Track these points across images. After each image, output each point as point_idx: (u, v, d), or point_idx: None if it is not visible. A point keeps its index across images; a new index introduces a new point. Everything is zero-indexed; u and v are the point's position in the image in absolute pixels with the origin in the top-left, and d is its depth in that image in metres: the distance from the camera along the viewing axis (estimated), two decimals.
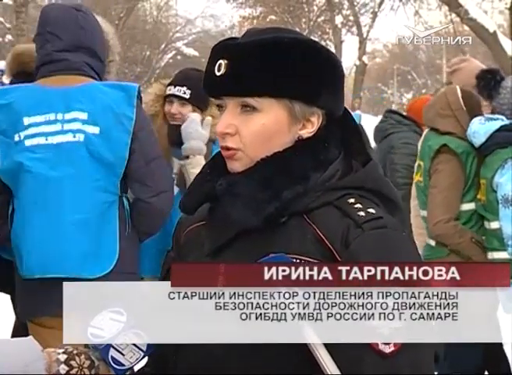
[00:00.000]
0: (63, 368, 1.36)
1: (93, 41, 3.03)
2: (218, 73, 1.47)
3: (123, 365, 1.40)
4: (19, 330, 3.31)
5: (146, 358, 1.55)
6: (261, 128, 1.48)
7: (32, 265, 2.85)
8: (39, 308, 2.90)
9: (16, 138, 2.89)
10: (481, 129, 3.71)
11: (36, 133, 2.90)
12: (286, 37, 1.47)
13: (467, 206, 3.80)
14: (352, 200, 1.47)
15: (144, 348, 1.42)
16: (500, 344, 3.92)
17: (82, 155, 2.88)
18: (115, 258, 2.92)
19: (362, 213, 1.44)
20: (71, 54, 2.98)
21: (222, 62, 1.47)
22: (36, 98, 2.93)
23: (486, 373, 4.06)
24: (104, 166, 2.90)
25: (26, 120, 2.90)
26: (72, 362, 1.37)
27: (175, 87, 3.71)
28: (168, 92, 3.73)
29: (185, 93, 3.68)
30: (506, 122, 3.69)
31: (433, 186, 3.89)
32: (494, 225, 3.67)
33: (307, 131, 1.51)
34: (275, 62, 1.45)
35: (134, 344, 1.41)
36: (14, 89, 3.01)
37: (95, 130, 2.90)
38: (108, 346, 1.39)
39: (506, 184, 3.59)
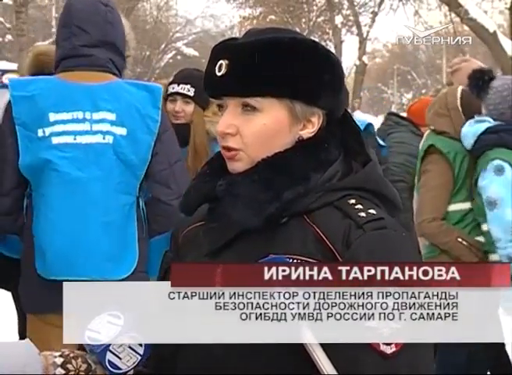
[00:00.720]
0: (60, 371, 1.35)
1: (117, 37, 3.00)
2: (218, 73, 1.48)
3: (120, 368, 1.40)
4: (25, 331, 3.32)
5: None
6: (262, 128, 1.48)
7: (57, 267, 2.83)
8: (48, 304, 2.87)
9: (40, 133, 2.87)
10: (469, 131, 3.71)
11: (63, 131, 2.88)
12: (286, 37, 1.48)
13: (458, 206, 3.79)
14: (353, 201, 1.47)
15: (141, 352, 1.41)
16: (502, 344, 3.92)
17: (110, 158, 2.88)
18: (136, 260, 2.94)
19: (363, 214, 1.44)
20: (97, 49, 2.95)
21: (223, 62, 1.47)
22: (61, 94, 2.90)
23: (488, 373, 4.06)
24: (127, 167, 2.90)
25: (52, 116, 2.87)
26: (69, 366, 1.37)
27: (178, 85, 3.73)
28: (171, 91, 3.74)
29: (189, 91, 3.70)
30: (492, 124, 3.67)
31: (422, 186, 3.92)
32: (484, 227, 3.68)
33: (308, 131, 1.51)
34: (275, 62, 1.45)
35: (131, 348, 1.40)
36: (35, 81, 2.98)
37: (123, 131, 2.89)
38: (105, 349, 1.39)
39: (488, 187, 3.59)
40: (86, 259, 2.82)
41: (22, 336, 3.54)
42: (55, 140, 2.88)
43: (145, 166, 2.94)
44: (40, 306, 2.93)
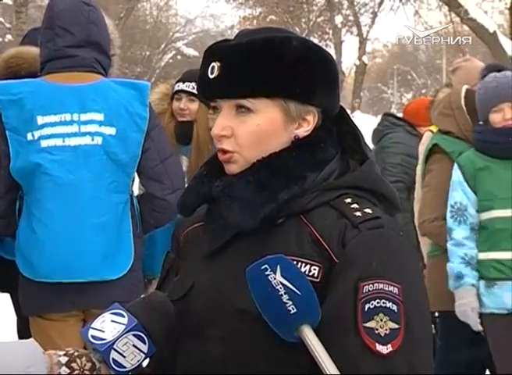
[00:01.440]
0: (64, 370, 1.35)
1: (101, 37, 2.99)
2: (211, 76, 1.47)
3: (124, 367, 1.39)
4: (23, 330, 3.33)
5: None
6: (257, 129, 1.47)
7: (51, 270, 2.84)
8: (46, 305, 2.90)
9: (29, 137, 2.87)
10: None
11: (52, 133, 2.88)
12: (277, 37, 1.47)
13: None
14: (349, 200, 1.47)
15: (145, 350, 1.41)
16: None
17: (100, 158, 2.88)
18: (132, 258, 2.95)
19: (359, 213, 1.43)
20: (81, 50, 2.94)
21: (215, 64, 1.47)
22: (48, 96, 2.89)
23: (488, 372, 4.06)
24: (118, 166, 2.91)
25: (40, 119, 2.87)
26: (74, 365, 1.36)
27: (183, 83, 3.77)
28: (176, 88, 3.79)
29: (193, 88, 3.74)
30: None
31: (425, 185, 3.91)
32: None
33: (304, 130, 1.50)
34: (267, 63, 1.45)
35: (136, 346, 1.40)
36: (21, 84, 2.96)
37: (112, 131, 2.90)
38: (110, 348, 1.38)
39: None
40: (81, 261, 2.83)
41: (21, 336, 3.55)
42: (44, 143, 2.87)
43: (136, 163, 2.96)
44: (39, 308, 2.94)
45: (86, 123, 2.88)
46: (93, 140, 2.88)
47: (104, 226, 2.87)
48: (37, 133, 2.87)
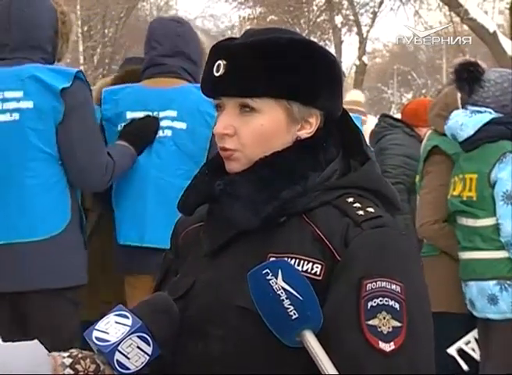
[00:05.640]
0: (68, 372, 1.35)
1: (188, 47, 3.54)
2: (216, 74, 1.49)
3: (129, 369, 1.39)
4: None
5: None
6: (260, 129, 1.49)
7: (127, 234, 3.42)
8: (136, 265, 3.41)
9: (119, 128, 3.47)
10: (469, 122, 3.60)
11: None
12: (284, 38, 1.49)
13: None
14: (351, 199, 1.48)
15: (150, 352, 1.41)
16: None
17: (168, 148, 3.40)
18: None
19: (361, 212, 1.45)
20: (169, 59, 3.50)
21: (221, 62, 1.49)
22: (137, 97, 3.49)
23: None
24: (187, 156, 3.39)
25: (129, 114, 3.47)
26: (78, 366, 1.36)
27: None
28: None
29: None
30: (495, 115, 3.58)
31: (424, 187, 3.89)
32: (485, 222, 3.57)
33: (306, 132, 1.52)
34: (273, 63, 1.47)
35: (140, 348, 1.40)
36: (122, 88, 3.59)
37: (183, 125, 3.41)
38: (114, 350, 1.38)
39: (507, 180, 3.49)
40: (148, 229, 3.36)
41: None
42: None
43: (204, 154, 3.37)
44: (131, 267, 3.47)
45: (162, 119, 3.43)
46: (163, 132, 3.42)
47: (163, 204, 3.31)
48: (124, 125, 3.47)
